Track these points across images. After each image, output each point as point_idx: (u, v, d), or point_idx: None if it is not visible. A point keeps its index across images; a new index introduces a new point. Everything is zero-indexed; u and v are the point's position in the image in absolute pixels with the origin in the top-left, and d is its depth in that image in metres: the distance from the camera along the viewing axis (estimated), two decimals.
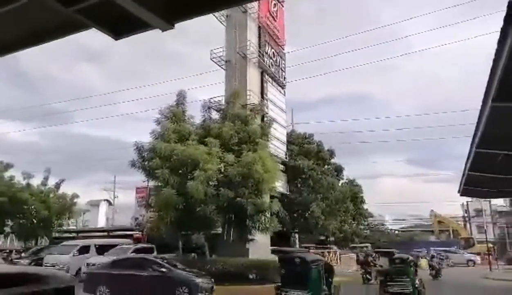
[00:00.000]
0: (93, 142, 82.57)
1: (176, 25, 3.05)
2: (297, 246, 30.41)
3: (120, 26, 3.18)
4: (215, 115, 20.32)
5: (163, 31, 3.30)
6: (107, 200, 55.38)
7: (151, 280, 12.62)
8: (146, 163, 17.67)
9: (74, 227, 37.89)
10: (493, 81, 6.56)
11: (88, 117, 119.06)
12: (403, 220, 63.41)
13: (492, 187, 17.42)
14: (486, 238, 37.84)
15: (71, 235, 31.64)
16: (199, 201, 15.81)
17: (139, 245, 21.27)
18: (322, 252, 25.16)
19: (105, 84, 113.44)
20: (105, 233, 32.91)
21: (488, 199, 40.91)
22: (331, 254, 25.36)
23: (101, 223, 52.66)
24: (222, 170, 17.18)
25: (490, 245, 42.43)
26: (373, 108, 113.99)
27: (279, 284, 9.61)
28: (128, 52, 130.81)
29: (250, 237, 18.64)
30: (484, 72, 6.78)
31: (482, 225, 54.16)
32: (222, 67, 25.39)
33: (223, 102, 21.76)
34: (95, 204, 53.11)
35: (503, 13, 4.99)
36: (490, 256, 35.25)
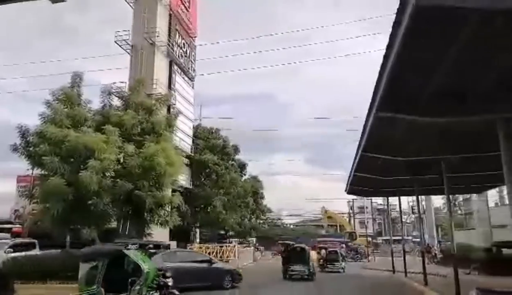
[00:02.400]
0: None
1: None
2: (198, 240, 30.39)
3: None
4: (116, 102, 19.04)
5: (53, 3, 2.98)
6: None
7: (205, 271, 14.88)
8: (31, 148, 15.76)
9: None
10: (378, 93, 7.37)
11: None
12: (299, 215, 67.97)
13: (373, 187, 19.66)
14: (366, 232, 42.59)
15: None
16: (92, 192, 14.68)
17: (18, 240, 18.99)
18: (221, 246, 25.50)
19: None
20: None
21: (370, 197, 45.91)
22: (229, 248, 25.83)
23: None
24: (121, 161, 16.22)
25: (369, 238, 47.80)
26: (278, 107, 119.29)
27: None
28: (17, 23, 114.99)
29: (147, 231, 17.99)
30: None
31: (363, 221, 60.90)
32: (127, 52, 24.01)
33: (126, 89, 20.55)
34: None
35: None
36: (369, 249, 39.77)
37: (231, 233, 35.66)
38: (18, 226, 26.48)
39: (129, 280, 8.14)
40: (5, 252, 16.51)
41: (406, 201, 48.82)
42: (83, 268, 8.68)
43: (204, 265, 15.28)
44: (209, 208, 27.82)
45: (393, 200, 24.80)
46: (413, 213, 48.95)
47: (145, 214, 16.97)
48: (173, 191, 20.22)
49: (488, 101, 7.53)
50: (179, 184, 22.59)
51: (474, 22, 4.88)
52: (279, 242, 39.49)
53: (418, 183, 16.45)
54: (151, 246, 11.42)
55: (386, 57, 6.12)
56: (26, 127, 16.10)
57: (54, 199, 14.69)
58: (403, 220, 37.60)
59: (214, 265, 15.64)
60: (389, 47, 5.79)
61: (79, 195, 14.74)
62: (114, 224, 18.25)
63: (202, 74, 58.14)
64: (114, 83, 21.17)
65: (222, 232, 35.11)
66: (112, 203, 15.56)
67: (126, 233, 18.35)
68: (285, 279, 18.33)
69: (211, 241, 29.92)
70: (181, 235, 25.06)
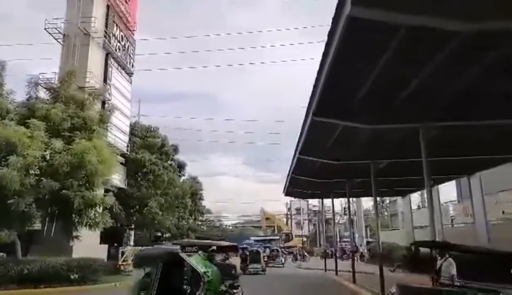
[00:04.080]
0: None
1: None
2: (131, 242, 29.17)
3: None
4: (44, 94, 17.63)
5: None
6: None
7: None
8: None
9: None
10: (314, 98, 7.65)
11: None
12: (241, 216, 68.34)
13: (309, 189, 20.38)
14: (302, 233, 43.99)
15: None
16: (13, 191, 13.42)
17: None
18: None
19: None
20: None
21: (306, 199, 47.55)
22: None
23: None
24: (47, 158, 15.02)
25: (304, 239, 49.37)
26: (221, 108, 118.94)
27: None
28: None
29: (75, 233, 16.87)
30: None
31: (300, 222, 62.88)
32: (58, 41, 22.37)
33: (55, 80, 19.12)
34: None
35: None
36: (303, 249, 41.10)
37: (167, 235, 34.75)
38: None
39: (188, 290, 6.88)
40: None
41: (339, 203, 51.35)
42: (136, 275, 7.33)
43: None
44: (144, 209, 26.82)
45: (328, 202, 25.88)
46: (345, 214, 51.56)
47: (73, 215, 15.88)
48: (106, 191, 19.18)
49: (410, 111, 8.16)
50: (113, 183, 21.49)
51: (402, 33, 5.24)
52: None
53: (349, 186, 17.36)
54: (214, 248, 9.47)
55: (321, 64, 6.36)
56: None
57: None
58: (336, 221, 39.38)
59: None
60: (325, 55, 6.03)
61: None
62: (37, 226, 16.90)
63: (148, 70, 56.21)
64: (43, 73, 19.60)
65: (159, 234, 34.07)
66: (35, 203, 14.36)
67: (52, 235, 17.10)
68: (245, 274, 20.47)
69: (146, 244, 28.89)
70: (113, 238, 23.88)
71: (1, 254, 17.78)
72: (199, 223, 44.73)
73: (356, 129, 9.47)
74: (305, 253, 39.58)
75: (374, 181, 13.00)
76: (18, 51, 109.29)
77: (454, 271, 6.36)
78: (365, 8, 4.46)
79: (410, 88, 7.25)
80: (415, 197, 34.18)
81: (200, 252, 7.82)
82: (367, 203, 46.44)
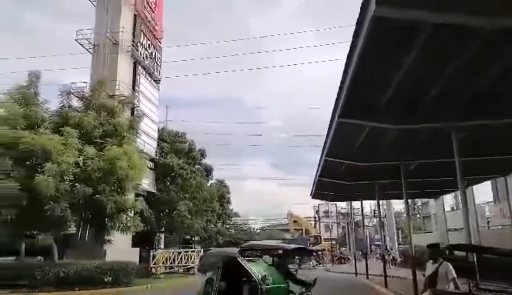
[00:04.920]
0: None
1: None
2: (162, 246, 29.73)
3: None
4: (76, 103, 18.33)
5: None
6: None
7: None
8: None
9: None
10: (340, 100, 7.55)
11: None
12: (268, 219, 68.31)
13: (336, 191, 20.09)
14: (331, 236, 43.41)
15: None
16: (49, 197, 13.99)
17: None
18: (186, 251, 25.08)
19: None
20: None
21: (334, 202, 46.91)
22: (195, 253, 25.45)
23: None
24: (81, 164, 15.59)
25: (333, 242, 48.75)
26: (244, 112, 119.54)
27: None
28: None
29: (107, 237, 17.38)
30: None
31: (328, 225, 62.09)
32: (89, 51, 23.21)
33: (87, 89, 19.84)
34: None
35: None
36: (333, 252, 40.52)
37: (196, 238, 35.17)
38: None
39: None
40: None
41: (369, 205, 50.33)
42: (201, 279, 6.81)
43: None
44: (174, 212, 27.29)
45: (356, 204, 25.44)
46: (374, 217, 50.47)
47: (106, 219, 16.38)
48: (137, 195, 19.68)
49: (439, 110, 7.90)
50: (143, 188, 22.02)
51: (427, 32, 5.11)
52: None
53: (378, 188, 16.99)
54: (279, 251, 7.66)
55: (347, 65, 6.29)
56: None
57: (6, 203, 13.85)
58: (365, 223, 38.60)
59: None
60: (349, 56, 5.96)
61: (34, 200, 14.00)
62: (72, 230, 17.52)
63: (171, 77, 57.34)
64: (74, 83, 20.39)
65: (188, 237, 34.54)
66: (70, 208, 14.91)
67: (86, 239, 17.68)
68: None
69: (175, 247, 29.37)
70: (144, 241, 24.41)
71: (39, 257, 18.55)
72: (227, 226, 45.01)
73: (384, 130, 9.28)
74: (332, 257, 38.87)
75: (405, 182, 12.66)
76: (47, 62, 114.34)
77: (453, 274, 5.94)
78: (390, 7, 4.38)
79: (438, 87, 7.03)
80: (449, 198, 33.04)
81: (265, 256, 7.12)
82: (398, 205, 45.35)
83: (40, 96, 16.80)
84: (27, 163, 14.66)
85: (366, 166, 12.95)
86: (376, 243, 46.56)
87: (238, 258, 6.49)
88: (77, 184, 14.96)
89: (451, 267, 5.98)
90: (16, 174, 14.05)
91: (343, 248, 48.42)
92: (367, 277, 19.60)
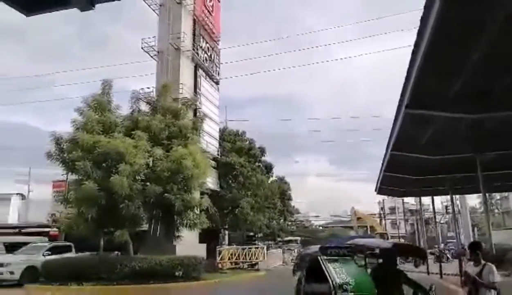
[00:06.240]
0: (5, 130, 73.90)
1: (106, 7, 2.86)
2: (226, 242, 30.58)
3: (32, 1, 2.94)
4: (144, 107, 19.51)
5: (82, 11, 3.07)
6: (20, 194, 50.24)
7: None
8: (65, 154, 16.39)
9: None
10: (406, 90, 7.17)
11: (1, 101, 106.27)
12: (330, 216, 67.16)
13: (403, 187, 19.12)
14: (399, 233, 41.46)
15: None
16: (123, 196, 15.08)
17: (55, 243, 19.75)
18: (250, 248, 25.55)
19: (25, 65, 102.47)
20: (16, 230, 29.86)
21: (401, 198, 44.73)
22: (258, 249, 25.84)
23: (13, 219, 47.64)
24: (150, 165, 16.59)
25: (402, 239, 46.57)
26: (301, 109, 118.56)
27: None
28: (53, 31, 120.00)
29: (177, 233, 18.25)
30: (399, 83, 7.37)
31: (395, 222, 59.37)
32: (153, 58, 24.54)
33: (153, 94, 21.01)
34: (5, 198, 47.86)
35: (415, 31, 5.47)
36: None
37: (259, 234, 35.62)
38: (55, 230, 27.41)
39: None
40: (43, 254, 17.20)
41: (439, 201, 47.28)
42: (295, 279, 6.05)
43: None
44: (236, 210, 27.93)
45: (426, 200, 24.05)
46: (447, 213, 47.29)
47: (175, 216, 17.24)
48: (201, 193, 20.44)
49: None
50: (207, 186, 22.80)
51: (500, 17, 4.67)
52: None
53: (451, 182, 15.88)
54: (376, 251, 5.98)
55: (414, 54, 5.96)
56: (60, 134, 16.77)
57: (87, 203, 15.18)
58: (437, 220, 36.28)
59: None
60: (417, 44, 5.64)
61: (111, 199, 15.17)
62: (144, 227, 18.66)
63: (227, 78, 58.73)
64: (142, 89, 21.70)
65: (251, 233, 35.13)
66: (142, 206, 15.92)
67: (157, 235, 18.71)
68: None
69: (239, 243, 30.02)
70: (210, 238, 25.27)
71: (116, 252, 20.01)
72: (289, 223, 45.02)
73: (455, 120, 8.63)
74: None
75: (482, 175, 11.70)
76: (117, 70, 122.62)
77: (495, 278, 5.23)
78: None
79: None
80: None
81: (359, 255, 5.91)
82: (472, 200, 42.00)
83: (112, 102, 18.13)
84: (103, 165, 15.94)
85: (436, 159, 12.15)
86: (450, 240, 43.62)
87: (318, 257, 5.48)
88: (148, 184, 15.94)
89: (494, 268, 5.36)
90: (95, 175, 15.32)
91: None
92: (441, 276, 18.45)
